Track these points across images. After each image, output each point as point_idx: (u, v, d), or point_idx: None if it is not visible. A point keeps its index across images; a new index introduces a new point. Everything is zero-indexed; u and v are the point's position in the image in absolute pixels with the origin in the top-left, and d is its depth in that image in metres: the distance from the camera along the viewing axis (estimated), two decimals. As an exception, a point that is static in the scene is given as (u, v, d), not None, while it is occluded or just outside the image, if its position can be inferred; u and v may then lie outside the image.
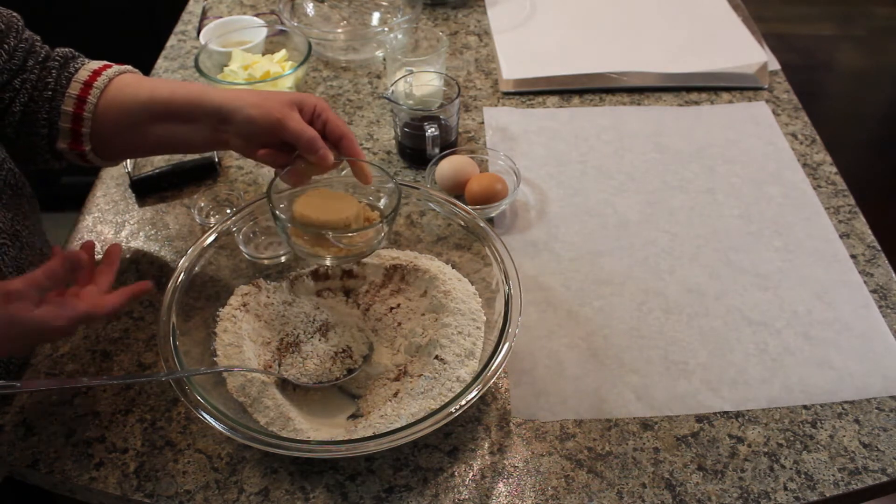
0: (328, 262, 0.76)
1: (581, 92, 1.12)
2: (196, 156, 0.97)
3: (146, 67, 1.10)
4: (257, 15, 1.23)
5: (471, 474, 0.68)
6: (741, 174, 0.98)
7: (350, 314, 0.78)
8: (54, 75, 0.78)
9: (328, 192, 0.75)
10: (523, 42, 1.22)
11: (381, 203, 0.77)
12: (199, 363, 0.70)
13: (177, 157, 0.97)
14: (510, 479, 0.68)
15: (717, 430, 0.71)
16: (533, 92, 1.12)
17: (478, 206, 0.89)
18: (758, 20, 1.27)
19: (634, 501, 0.66)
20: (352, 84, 1.14)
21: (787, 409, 0.73)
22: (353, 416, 0.71)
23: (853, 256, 0.87)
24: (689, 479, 0.68)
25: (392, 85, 0.99)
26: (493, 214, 0.92)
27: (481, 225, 0.78)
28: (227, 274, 0.79)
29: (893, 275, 0.85)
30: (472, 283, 0.78)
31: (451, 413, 0.63)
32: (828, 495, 0.66)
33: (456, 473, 0.68)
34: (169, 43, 1.24)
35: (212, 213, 0.91)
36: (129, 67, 0.81)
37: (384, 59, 1.15)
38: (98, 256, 0.83)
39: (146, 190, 0.95)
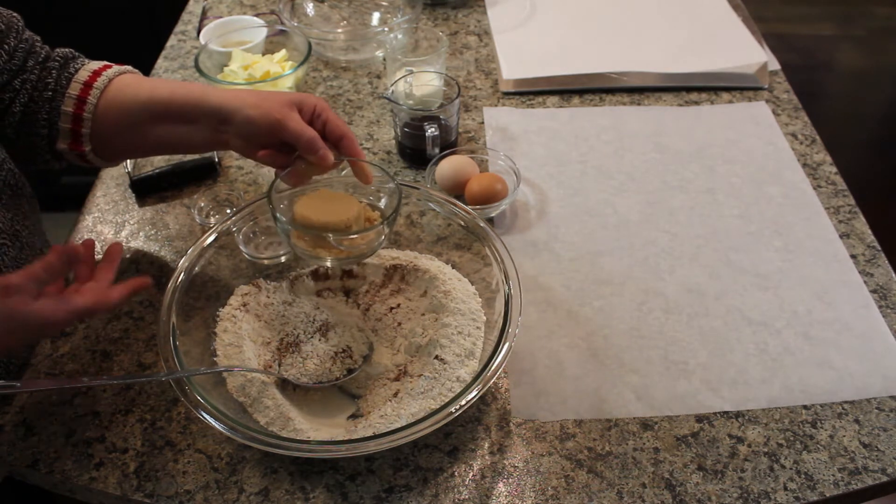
0: (329, 264, 0.76)
1: (581, 92, 1.12)
2: (196, 156, 0.97)
3: (146, 67, 1.10)
4: (257, 15, 1.23)
5: (471, 474, 0.68)
6: (741, 174, 0.98)
7: (350, 314, 0.78)
8: (54, 76, 0.78)
9: (329, 192, 0.74)
10: (523, 42, 1.22)
11: (382, 203, 0.77)
12: (199, 363, 0.70)
13: (177, 157, 0.97)
14: (510, 479, 0.68)
15: (717, 430, 0.71)
16: (533, 92, 1.12)
17: (478, 206, 0.89)
18: (758, 20, 1.27)
19: (634, 501, 0.66)
20: (352, 84, 1.14)
21: (787, 409, 0.73)
22: (353, 416, 0.71)
23: (853, 256, 0.87)
24: (689, 479, 0.68)
25: (392, 85, 0.99)
26: (493, 214, 0.92)
27: (481, 225, 0.78)
28: (227, 274, 0.79)
29: (893, 275, 0.85)
30: (472, 283, 0.78)
31: (451, 413, 0.63)
32: (828, 495, 0.66)
33: (456, 473, 0.68)
34: (169, 43, 1.24)
35: (212, 213, 0.91)
36: (129, 68, 0.81)
37: (384, 59, 1.15)
38: (98, 256, 0.83)
39: (146, 190, 0.95)
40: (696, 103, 1.10)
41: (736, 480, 0.67)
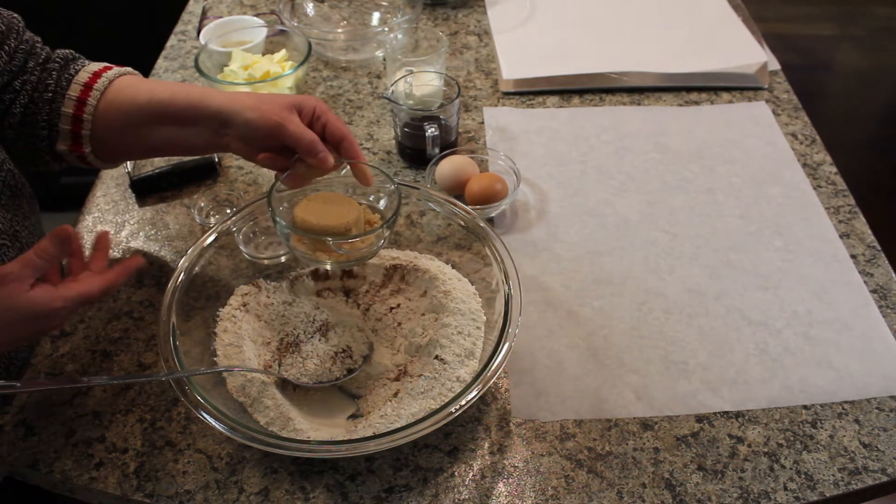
0: (329, 267, 0.76)
1: (581, 92, 1.12)
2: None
3: (146, 68, 1.10)
4: (257, 15, 1.24)
5: (471, 474, 0.68)
6: (741, 174, 0.98)
7: (350, 314, 0.78)
8: (54, 77, 0.78)
9: (328, 195, 0.74)
10: (523, 42, 1.22)
11: (381, 204, 0.77)
12: (199, 363, 0.70)
13: (177, 158, 0.97)
14: (510, 479, 0.68)
15: (717, 430, 0.71)
16: (533, 92, 1.12)
17: (478, 206, 0.89)
18: (758, 20, 1.27)
19: (634, 501, 0.66)
20: (352, 84, 1.14)
21: (787, 409, 0.73)
22: (353, 416, 0.71)
23: (853, 256, 0.87)
24: (689, 479, 0.68)
25: (392, 85, 0.99)
26: (493, 214, 0.92)
27: (481, 225, 0.78)
28: (227, 274, 0.79)
29: (893, 275, 0.85)
30: (472, 283, 0.78)
31: (451, 413, 0.63)
32: (828, 495, 0.66)
33: (456, 473, 0.68)
34: (169, 43, 1.24)
35: (212, 213, 0.91)
36: (129, 69, 0.81)
37: (384, 59, 1.15)
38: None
39: (146, 190, 0.95)
40: (696, 103, 1.10)
41: (736, 480, 0.67)
